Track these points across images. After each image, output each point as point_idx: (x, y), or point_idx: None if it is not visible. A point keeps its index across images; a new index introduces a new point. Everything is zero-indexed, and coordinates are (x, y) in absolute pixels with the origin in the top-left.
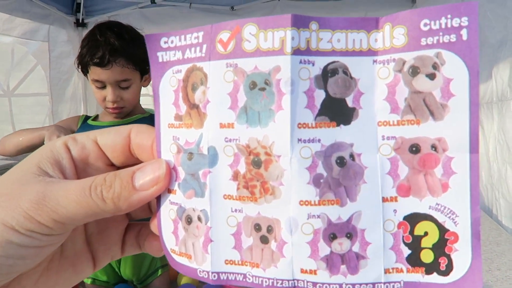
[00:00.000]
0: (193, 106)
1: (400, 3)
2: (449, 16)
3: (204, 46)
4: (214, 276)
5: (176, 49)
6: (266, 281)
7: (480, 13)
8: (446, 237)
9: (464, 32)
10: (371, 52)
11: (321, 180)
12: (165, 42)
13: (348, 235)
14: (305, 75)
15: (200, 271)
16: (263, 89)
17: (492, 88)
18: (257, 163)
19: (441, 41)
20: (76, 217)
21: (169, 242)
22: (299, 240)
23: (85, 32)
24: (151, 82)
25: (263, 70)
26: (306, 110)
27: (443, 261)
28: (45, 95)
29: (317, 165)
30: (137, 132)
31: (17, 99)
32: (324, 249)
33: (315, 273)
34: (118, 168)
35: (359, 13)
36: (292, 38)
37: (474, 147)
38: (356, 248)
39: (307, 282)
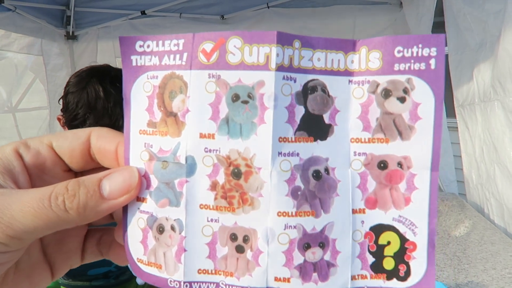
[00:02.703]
0: (170, 113)
1: (387, 11)
2: (420, 45)
3: (185, 55)
4: (186, 286)
5: (152, 54)
6: None
7: (459, 17)
8: (406, 246)
9: (432, 62)
10: (347, 73)
11: (299, 193)
12: (140, 46)
13: (321, 244)
14: (287, 91)
15: (171, 281)
16: (246, 102)
17: (474, 90)
18: (237, 174)
19: (412, 68)
20: (34, 231)
21: (136, 251)
22: (275, 250)
23: (76, 45)
24: None
25: (247, 83)
26: (287, 124)
27: (402, 268)
28: (45, 108)
29: (295, 178)
30: (98, 136)
31: (20, 114)
32: (298, 258)
33: (289, 281)
34: (77, 174)
35: (347, 19)
36: (277, 55)
37: (435, 166)
38: (327, 256)
39: None
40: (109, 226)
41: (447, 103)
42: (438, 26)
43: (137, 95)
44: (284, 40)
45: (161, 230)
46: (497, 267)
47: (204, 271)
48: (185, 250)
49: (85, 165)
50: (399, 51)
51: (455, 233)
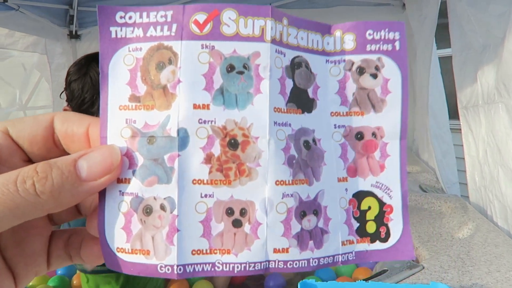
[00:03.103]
0: (156, 86)
1: (390, 12)
2: (386, 29)
3: (174, 26)
4: (180, 270)
5: (135, 26)
6: (238, 267)
7: (463, 18)
8: (384, 209)
9: (397, 44)
10: (324, 53)
11: (294, 161)
12: (121, 17)
13: (315, 212)
14: (279, 64)
15: (161, 267)
16: (241, 72)
17: (478, 92)
18: (233, 145)
19: (381, 48)
20: None
21: (117, 240)
22: (273, 220)
23: (79, 44)
24: None
25: (242, 54)
26: (280, 96)
27: (383, 230)
28: (50, 107)
29: (290, 147)
30: (64, 120)
31: (30, 112)
32: (295, 227)
33: (287, 251)
34: None
35: (350, 20)
36: (271, 28)
37: (403, 135)
38: (321, 223)
39: (279, 261)
40: (76, 225)
41: (450, 105)
42: (441, 28)
43: (117, 68)
44: (276, 15)
45: (148, 211)
46: (501, 269)
47: (199, 251)
48: (178, 230)
49: (48, 153)
50: (369, 34)
51: (459, 235)
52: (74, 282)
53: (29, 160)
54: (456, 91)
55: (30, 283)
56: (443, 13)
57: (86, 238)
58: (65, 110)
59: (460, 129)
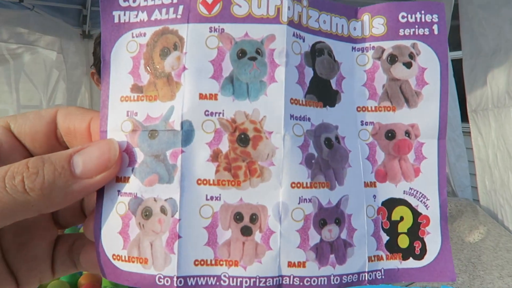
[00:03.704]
0: (160, 74)
1: None
2: (423, 11)
3: (180, 7)
4: (180, 282)
5: (139, 9)
6: (246, 281)
7: (474, 22)
8: (419, 220)
9: (435, 27)
10: (350, 39)
11: (313, 161)
12: (124, 1)
13: (337, 220)
14: (297, 49)
15: (160, 278)
16: (253, 58)
17: (488, 95)
18: (243, 141)
19: (416, 33)
20: None
21: (113, 246)
22: (288, 228)
23: (91, 43)
24: None
25: (255, 37)
26: (297, 85)
27: (417, 245)
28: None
29: (308, 144)
30: (66, 114)
31: None
32: (314, 237)
33: (304, 266)
34: None
35: None
36: (288, 8)
37: (442, 133)
38: (344, 235)
39: (294, 277)
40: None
41: (461, 108)
42: (453, 30)
43: (119, 56)
44: None
45: (147, 214)
46: None
47: (202, 262)
48: (179, 237)
49: (50, 149)
50: (403, 17)
51: (469, 239)
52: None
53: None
54: (466, 94)
55: None
56: (455, 15)
57: (87, 243)
58: (92, 73)
59: (469, 132)
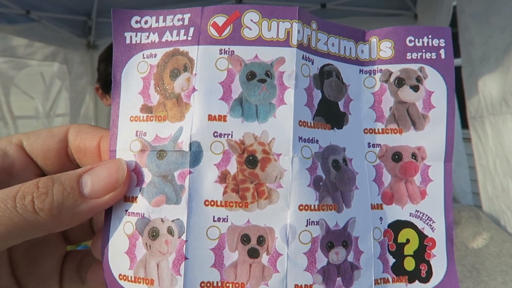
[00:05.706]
0: (170, 95)
1: (402, 22)
2: (430, 36)
3: (191, 29)
4: None
5: (151, 31)
6: None
7: (466, 30)
8: (425, 243)
9: (442, 52)
10: (358, 62)
11: (321, 183)
12: (136, 22)
13: (344, 243)
14: (306, 72)
15: None
16: (263, 80)
17: (480, 103)
18: (252, 162)
19: (424, 57)
20: None
21: (119, 266)
22: (296, 251)
23: (96, 54)
24: None
25: (265, 60)
26: (306, 108)
27: (423, 268)
28: (67, 115)
29: (316, 166)
30: (77, 132)
31: (50, 120)
32: (321, 260)
33: None
34: None
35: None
36: (298, 31)
37: (448, 156)
38: (351, 257)
39: None
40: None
41: (462, 114)
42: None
43: (130, 76)
44: (303, 17)
45: (154, 235)
46: None
47: (208, 284)
48: (186, 258)
49: (61, 167)
50: (410, 41)
51: (473, 245)
52: None
53: (43, 175)
54: (466, 100)
55: None
56: (455, 23)
57: (94, 261)
58: (96, 88)
59: (469, 138)
